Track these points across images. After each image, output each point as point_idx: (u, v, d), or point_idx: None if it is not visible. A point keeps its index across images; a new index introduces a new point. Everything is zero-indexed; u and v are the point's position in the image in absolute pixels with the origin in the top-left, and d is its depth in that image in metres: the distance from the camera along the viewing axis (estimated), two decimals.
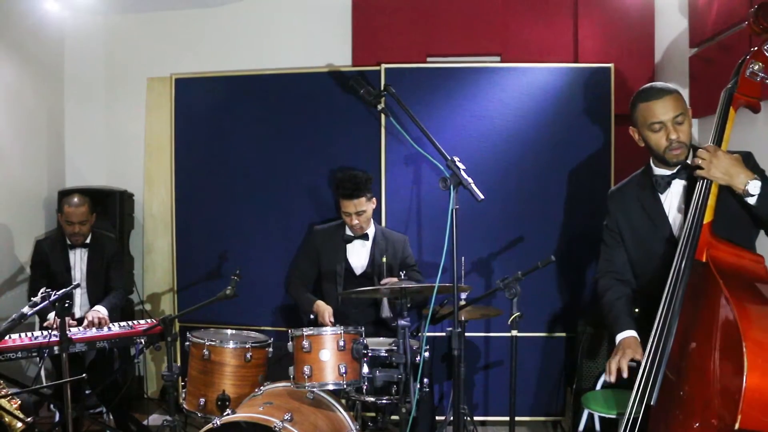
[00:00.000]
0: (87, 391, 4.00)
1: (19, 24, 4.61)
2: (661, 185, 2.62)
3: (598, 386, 3.74)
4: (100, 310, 4.02)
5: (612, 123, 4.32)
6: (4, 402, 2.61)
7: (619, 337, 2.61)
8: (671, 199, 2.62)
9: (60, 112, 5.18)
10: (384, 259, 3.87)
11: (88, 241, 4.32)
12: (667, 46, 4.43)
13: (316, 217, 4.56)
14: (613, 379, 2.46)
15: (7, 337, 3.28)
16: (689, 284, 2.27)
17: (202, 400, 3.21)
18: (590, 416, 3.59)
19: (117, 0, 4.92)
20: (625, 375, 2.43)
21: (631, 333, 2.59)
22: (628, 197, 2.75)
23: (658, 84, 2.62)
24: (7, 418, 2.61)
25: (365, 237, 3.98)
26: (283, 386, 3.14)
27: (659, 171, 2.64)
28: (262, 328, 4.50)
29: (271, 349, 3.36)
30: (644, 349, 2.38)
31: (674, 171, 2.59)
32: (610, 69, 4.34)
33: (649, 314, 2.44)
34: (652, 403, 2.26)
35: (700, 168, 2.34)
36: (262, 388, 3.15)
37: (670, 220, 2.61)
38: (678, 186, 2.60)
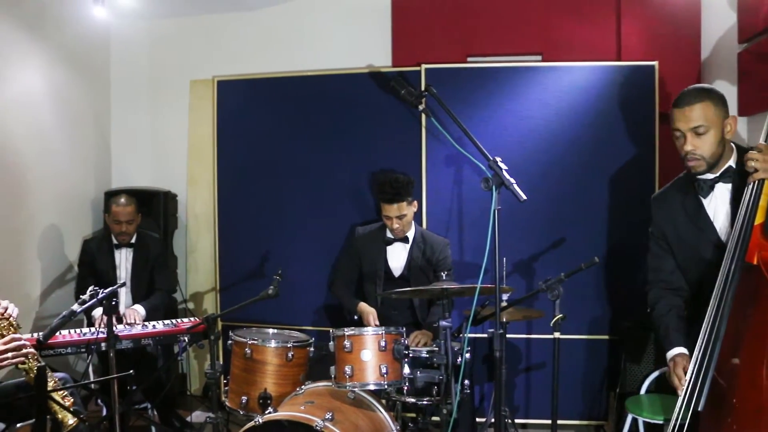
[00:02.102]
0: (132, 387, 4.08)
1: (67, 30, 4.72)
2: (704, 189, 2.57)
3: (643, 390, 3.68)
4: (138, 310, 4.12)
5: (656, 122, 4.24)
6: (57, 397, 2.67)
7: (669, 355, 2.57)
8: (716, 203, 2.56)
9: (106, 115, 5.29)
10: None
11: (133, 241, 4.41)
12: (714, 42, 4.32)
13: (357, 218, 4.57)
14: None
15: (57, 333, 3.36)
16: (739, 287, 2.22)
17: (244, 398, 3.25)
18: (634, 421, 3.52)
19: (160, 5, 5.00)
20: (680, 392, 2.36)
21: (680, 350, 2.55)
22: (671, 203, 2.70)
23: (695, 88, 2.54)
24: (60, 414, 2.67)
25: (405, 239, 3.98)
26: (324, 386, 3.15)
27: (702, 175, 2.58)
28: (304, 327, 4.54)
29: (312, 349, 3.38)
30: (692, 352, 2.33)
31: (717, 175, 2.53)
32: (654, 67, 4.25)
33: (697, 319, 2.39)
34: (699, 408, 2.22)
35: (755, 171, 2.27)
36: (303, 387, 3.17)
37: (716, 224, 2.56)
38: (722, 189, 2.54)
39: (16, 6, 4.18)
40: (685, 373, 2.34)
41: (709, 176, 2.55)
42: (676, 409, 2.29)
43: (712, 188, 2.56)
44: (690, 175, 2.61)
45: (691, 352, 2.36)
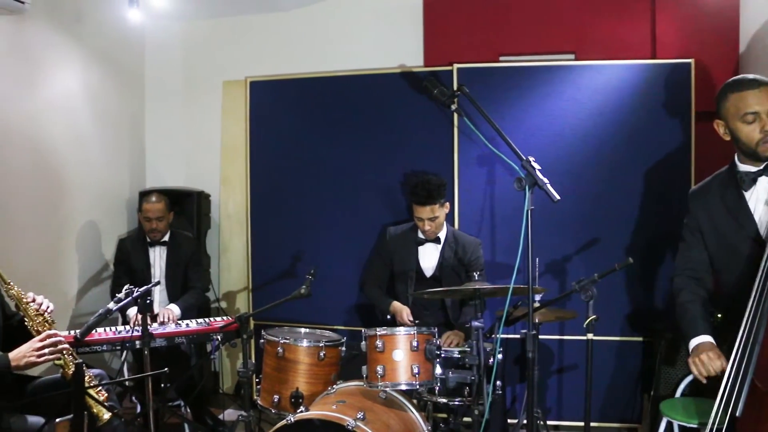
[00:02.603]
0: (166, 384, 4.13)
1: (103, 33, 4.80)
2: (746, 182, 2.51)
3: (678, 393, 3.62)
4: (173, 310, 4.17)
5: (692, 120, 4.16)
6: (93, 392, 2.73)
7: (694, 342, 2.51)
8: (757, 197, 2.51)
9: (141, 116, 5.37)
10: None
11: (166, 239, 4.47)
12: (752, 36, 4.22)
13: (388, 218, 4.57)
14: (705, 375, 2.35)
15: (93, 331, 3.42)
16: None
17: (276, 396, 3.27)
18: (669, 424, 3.47)
19: (194, 6, 5.06)
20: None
21: (707, 338, 2.49)
22: (710, 196, 2.64)
23: (751, 75, 2.51)
24: (95, 409, 2.72)
25: (436, 240, 3.97)
26: (356, 385, 3.16)
27: (744, 167, 2.53)
28: (335, 327, 4.55)
29: (344, 348, 3.39)
30: (728, 356, 2.29)
31: (761, 167, 2.48)
32: (690, 64, 4.18)
33: (733, 318, 2.34)
34: (737, 414, 2.17)
35: None
36: (335, 386, 3.19)
37: (756, 218, 2.50)
38: (764, 183, 2.49)
39: (55, 10, 4.27)
40: (721, 372, 2.29)
41: (752, 168, 2.50)
42: (713, 414, 2.24)
43: (754, 181, 2.50)
44: (732, 168, 2.57)
45: (727, 354, 2.32)
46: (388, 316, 3.89)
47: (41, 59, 4.17)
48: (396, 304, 3.88)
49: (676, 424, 3.43)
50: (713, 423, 2.23)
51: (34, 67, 4.11)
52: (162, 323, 3.99)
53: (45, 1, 4.12)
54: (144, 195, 4.56)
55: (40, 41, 4.16)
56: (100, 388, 2.85)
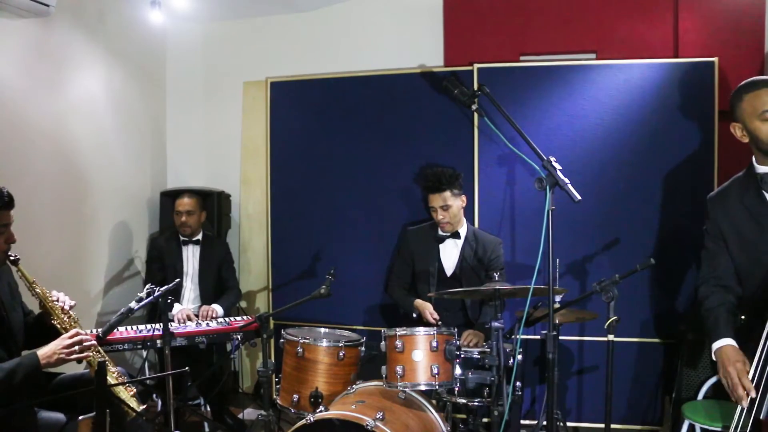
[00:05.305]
0: (187, 383, 4.16)
1: (126, 34, 4.85)
2: (766, 183, 2.48)
3: (700, 395, 3.58)
4: (217, 309, 4.23)
5: (716, 120, 4.12)
6: (121, 389, 2.75)
7: (716, 345, 2.48)
8: None
9: (162, 117, 5.41)
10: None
11: (199, 237, 4.53)
12: None
13: (408, 218, 4.58)
14: (753, 395, 2.28)
15: (115, 330, 3.45)
16: None
17: (296, 396, 3.28)
18: (691, 427, 3.44)
19: (214, 8, 5.09)
20: (753, 394, 2.26)
21: (729, 342, 2.46)
22: (730, 200, 2.61)
23: (763, 77, 2.49)
24: (124, 405, 2.74)
25: (457, 236, 3.96)
26: (375, 385, 3.17)
27: (763, 169, 2.50)
28: (355, 327, 4.56)
29: (363, 348, 3.39)
30: (752, 360, 2.26)
31: None
32: (713, 63, 4.14)
33: (757, 323, 2.31)
34: (761, 417, 2.15)
35: None
36: (354, 386, 3.19)
37: None
38: None
39: (78, 13, 4.32)
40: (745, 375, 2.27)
41: None
42: (736, 416, 2.22)
43: None
44: (751, 171, 2.55)
45: (750, 356, 2.29)
46: (414, 315, 3.90)
47: (65, 61, 4.22)
48: (419, 301, 3.89)
49: (698, 426, 3.39)
50: (737, 425, 2.21)
51: (58, 68, 4.16)
52: (205, 320, 4.03)
53: (69, 4, 4.17)
54: (166, 196, 4.62)
55: (64, 43, 4.21)
56: (128, 384, 2.87)
